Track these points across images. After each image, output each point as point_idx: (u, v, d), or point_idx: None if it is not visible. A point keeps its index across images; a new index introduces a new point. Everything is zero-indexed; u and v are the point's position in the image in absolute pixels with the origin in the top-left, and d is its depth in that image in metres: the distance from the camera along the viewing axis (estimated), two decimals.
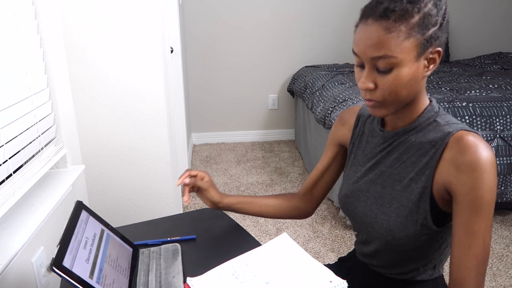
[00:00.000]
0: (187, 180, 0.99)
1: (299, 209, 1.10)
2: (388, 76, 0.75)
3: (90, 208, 0.93)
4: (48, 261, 1.26)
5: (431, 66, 0.77)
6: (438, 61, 0.77)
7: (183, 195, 1.00)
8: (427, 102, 0.84)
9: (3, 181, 1.10)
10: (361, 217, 0.92)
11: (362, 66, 0.78)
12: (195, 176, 1.02)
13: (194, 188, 1.03)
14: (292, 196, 1.11)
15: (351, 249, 1.23)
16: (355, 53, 0.77)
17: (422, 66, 0.76)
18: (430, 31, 0.73)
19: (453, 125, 0.79)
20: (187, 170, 1.02)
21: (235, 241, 1.00)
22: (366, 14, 0.75)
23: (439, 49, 0.76)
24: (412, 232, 0.82)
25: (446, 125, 0.80)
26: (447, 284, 0.92)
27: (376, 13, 0.73)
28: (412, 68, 0.74)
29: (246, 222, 2.34)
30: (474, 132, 0.77)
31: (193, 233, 1.03)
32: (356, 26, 0.78)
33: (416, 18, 0.72)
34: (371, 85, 0.77)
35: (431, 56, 0.76)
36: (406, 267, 0.90)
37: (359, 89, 0.82)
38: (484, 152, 0.72)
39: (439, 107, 0.85)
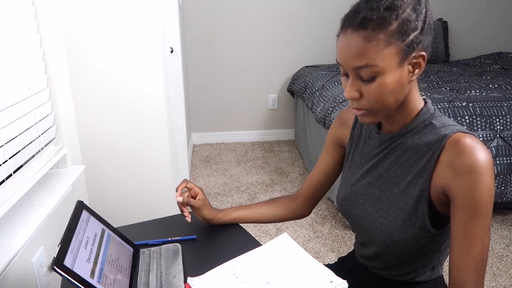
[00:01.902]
0: (180, 199, 0.99)
1: (297, 211, 1.10)
2: (372, 84, 0.74)
3: (90, 208, 0.93)
4: (48, 261, 1.26)
5: (416, 71, 0.76)
6: (423, 65, 0.76)
7: (182, 212, 1.01)
8: (421, 103, 0.83)
9: (3, 181, 1.10)
10: (359, 220, 0.92)
11: (347, 75, 0.78)
12: (190, 189, 1.02)
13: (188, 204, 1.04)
14: (289, 199, 1.10)
15: (351, 249, 1.23)
16: (338, 63, 0.77)
17: (406, 71, 0.75)
18: (411, 37, 0.73)
19: (449, 127, 0.79)
20: (184, 180, 1.02)
21: (235, 241, 1.00)
22: (345, 24, 0.75)
23: (423, 53, 0.75)
24: (410, 235, 0.82)
25: (442, 127, 0.80)
26: (447, 284, 0.92)
27: (355, 23, 0.73)
28: (396, 75, 0.74)
29: None
30: (471, 134, 0.76)
31: (194, 233, 1.03)
32: (337, 36, 0.77)
33: (394, 25, 0.71)
34: (356, 94, 0.77)
35: (415, 60, 0.75)
36: (406, 269, 0.90)
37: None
38: (481, 154, 0.72)
39: (434, 109, 0.84)
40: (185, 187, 1.02)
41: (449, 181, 0.75)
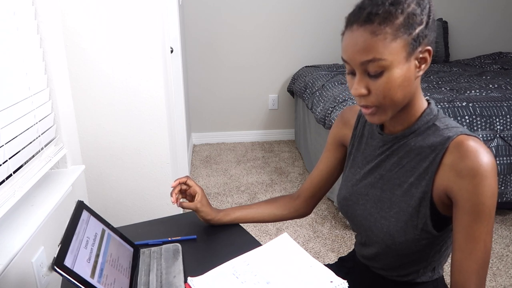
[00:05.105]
0: (176, 183, 1.00)
1: (297, 211, 1.10)
2: (380, 80, 0.74)
3: (90, 208, 0.93)
4: (48, 261, 1.26)
5: (423, 66, 0.76)
6: (429, 60, 0.76)
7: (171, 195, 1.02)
8: (425, 104, 0.83)
9: (3, 181, 1.10)
10: (360, 220, 0.91)
11: (353, 73, 0.77)
12: (190, 186, 1.03)
13: (187, 198, 1.04)
14: (289, 199, 1.10)
15: (351, 249, 1.23)
16: (344, 61, 0.77)
17: (413, 66, 0.75)
18: (417, 30, 0.73)
19: (453, 129, 0.78)
20: (186, 176, 1.03)
21: (235, 241, 1.00)
22: (351, 21, 0.75)
23: (429, 48, 0.75)
24: (412, 236, 0.82)
25: (445, 129, 0.79)
26: (447, 285, 0.92)
27: (360, 19, 0.73)
28: (403, 69, 0.74)
29: None
30: (474, 136, 0.76)
31: (194, 233, 1.03)
32: (342, 34, 0.77)
33: (400, 19, 0.71)
34: (363, 91, 0.76)
35: (421, 55, 0.75)
36: (406, 270, 0.90)
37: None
38: (484, 157, 0.72)
39: (438, 110, 0.84)
40: (185, 182, 1.02)
41: (452, 183, 0.75)
